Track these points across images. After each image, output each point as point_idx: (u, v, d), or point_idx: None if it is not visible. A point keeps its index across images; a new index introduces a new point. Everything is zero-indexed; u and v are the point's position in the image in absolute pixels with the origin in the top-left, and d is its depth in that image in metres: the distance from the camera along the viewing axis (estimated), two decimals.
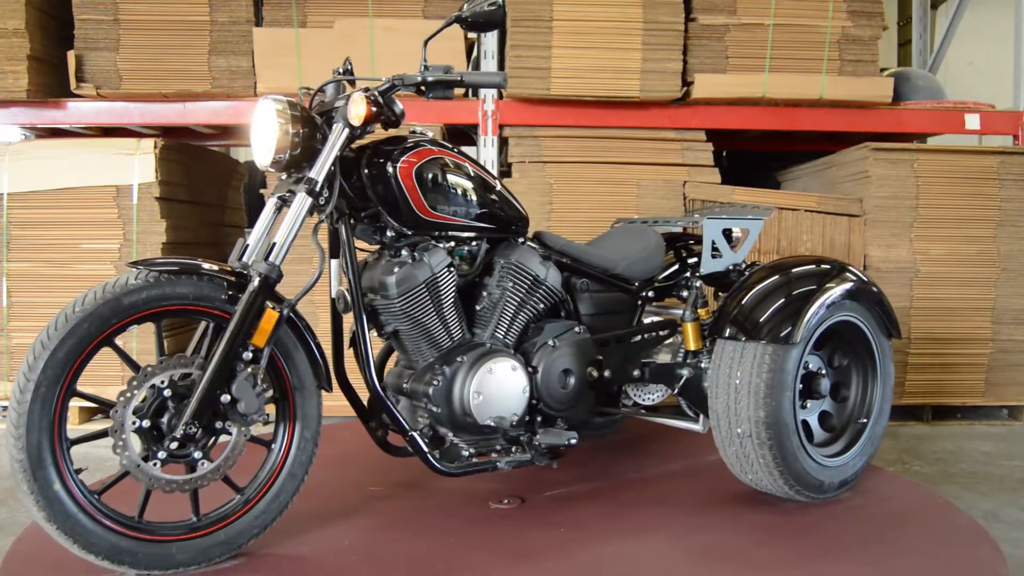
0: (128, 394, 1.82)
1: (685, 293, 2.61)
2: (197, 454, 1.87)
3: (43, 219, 3.55)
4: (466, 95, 3.73)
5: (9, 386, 3.58)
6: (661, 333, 2.57)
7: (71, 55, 3.59)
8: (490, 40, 3.74)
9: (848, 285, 2.35)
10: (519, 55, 3.59)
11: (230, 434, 1.91)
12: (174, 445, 1.83)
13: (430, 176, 2.12)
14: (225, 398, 1.87)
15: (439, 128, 3.57)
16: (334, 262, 2.16)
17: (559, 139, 3.69)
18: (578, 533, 2.13)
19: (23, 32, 3.51)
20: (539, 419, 2.31)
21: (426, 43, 2.17)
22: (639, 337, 2.53)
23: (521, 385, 2.23)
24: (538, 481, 2.52)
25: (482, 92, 3.73)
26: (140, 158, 3.53)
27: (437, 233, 2.19)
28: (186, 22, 3.63)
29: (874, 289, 2.43)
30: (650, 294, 2.61)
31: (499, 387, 2.18)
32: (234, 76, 3.66)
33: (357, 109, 1.98)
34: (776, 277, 2.35)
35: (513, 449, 2.26)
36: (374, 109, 2.00)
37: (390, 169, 2.08)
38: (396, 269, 2.11)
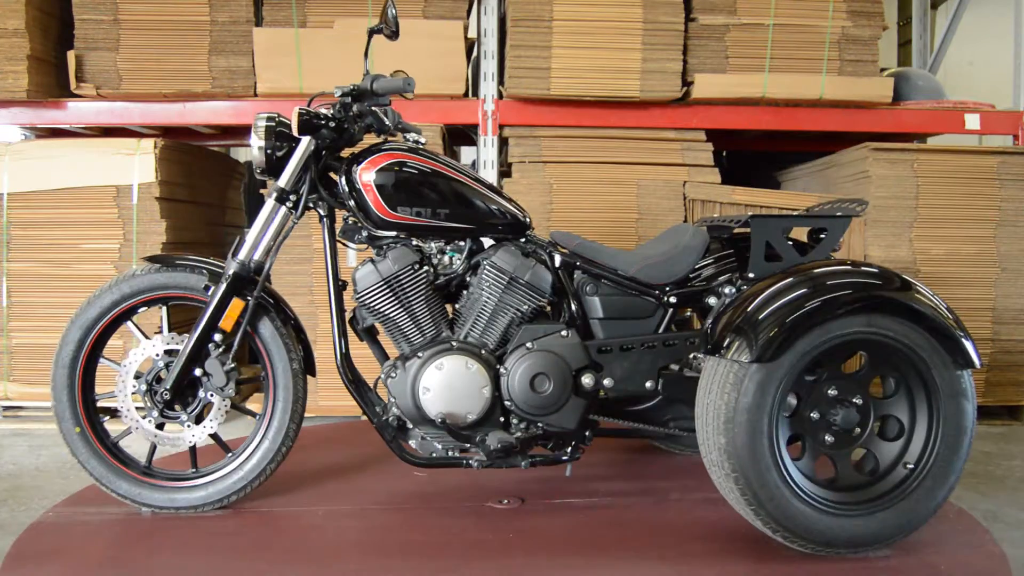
0: (129, 362, 2.32)
1: (714, 300, 2.39)
2: (183, 416, 2.32)
3: (43, 219, 3.55)
4: (465, 95, 3.73)
5: (9, 386, 3.59)
6: (692, 343, 2.36)
7: (71, 55, 3.59)
8: (490, 40, 3.74)
9: (873, 298, 2.00)
10: (519, 55, 3.59)
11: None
12: (163, 407, 2.30)
13: (388, 178, 2.25)
14: (199, 372, 2.29)
15: (439, 129, 3.57)
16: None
17: (559, 139, 3.68)
18: (528, 539, 2.14)
19: (23, 32, 3.51)
20: (516, 422, 2.30)
21: (365, 55, 2.39)
22: (654, 346, 2.34)
23: (478, 384, 2.24)
24: (556, 487, 2.52)
25: (482, 91, 3.73)
26: (140, 158, 3.52)
27: (407, 233, 2.30)
28: (186, 22, 3.63)
29: (928, 306, 2.02)
30: (672, 299, 2.38)
31: (448, 384, 2.23)
32: (234, 76, 3.66)
33: (291, 121, 2.26)
34: (777, 285, 2.06)
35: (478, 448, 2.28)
36: (315, 121, 2.26)
37: (352, 173, 2.28)
38: (360, 267, 2.28)
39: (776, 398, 1.98)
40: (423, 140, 2.41)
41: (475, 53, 4.02)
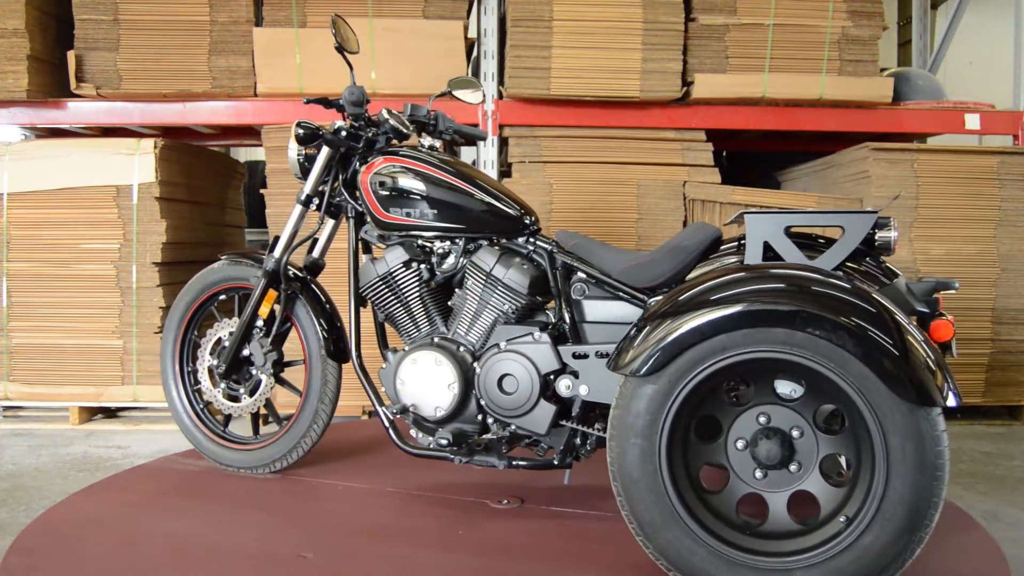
0: (206, 341, 2.71)
1: None
2: (241, 390, 2.67)
3: (43, 219, 3.55)
4: None
5: (9, 386, 3.59)
6: None
7: (71, 55, 3.59)
8: (490, 40, 3.74)
9: (769, 312, 1.68)
10: (519, 55, 3.59)
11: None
12: (227, 380, 2.65)
13: (382, 182, 2.38)
14: (246, 352, 2.63)
15: None
16: (364, 257, 2.51)
17: (559, 139, 3.69)
18: (493, 539, 2.14)
19: (23, 32, 3.51)
20: (490, 422, 2.29)
21: (351, 68, 2.52)
22: None
23: (445, 380, 2.26)
24: (564, 494, 2.50)
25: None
26: (140, 158, 3.53)
27: (405, 233, 2.39)
28: (186, 22, 3.63)
29: (863, 326, 1.64)
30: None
31: (418, 377, 2.30)
32: (234, 76, 3.66)
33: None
34: (683, 291, 1.80)
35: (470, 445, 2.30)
36: (316, 133, 2.44)
37: (357, 177, 2.44)
38: (363, 265, 2.44)
39: (666, 418, 1.76)
40: (437, 144, 2.52)
41: (475, 53, 4.02)
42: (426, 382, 2.29)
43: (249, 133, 4.27)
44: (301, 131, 2.42)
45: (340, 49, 2.45)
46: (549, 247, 2.35)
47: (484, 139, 2.81)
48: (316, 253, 2.61)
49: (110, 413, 3.73)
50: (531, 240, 2.38)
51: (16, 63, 3.53)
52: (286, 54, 3.61)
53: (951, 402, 1.61)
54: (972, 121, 3.89)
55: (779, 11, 3.68)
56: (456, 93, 2.61)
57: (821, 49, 3.71)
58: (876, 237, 1.96)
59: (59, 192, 3.54)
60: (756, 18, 3.69)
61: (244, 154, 6.97)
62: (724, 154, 4.86)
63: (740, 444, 1.83)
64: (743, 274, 1.76)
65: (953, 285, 1.94)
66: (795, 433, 1.79)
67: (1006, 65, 4.47)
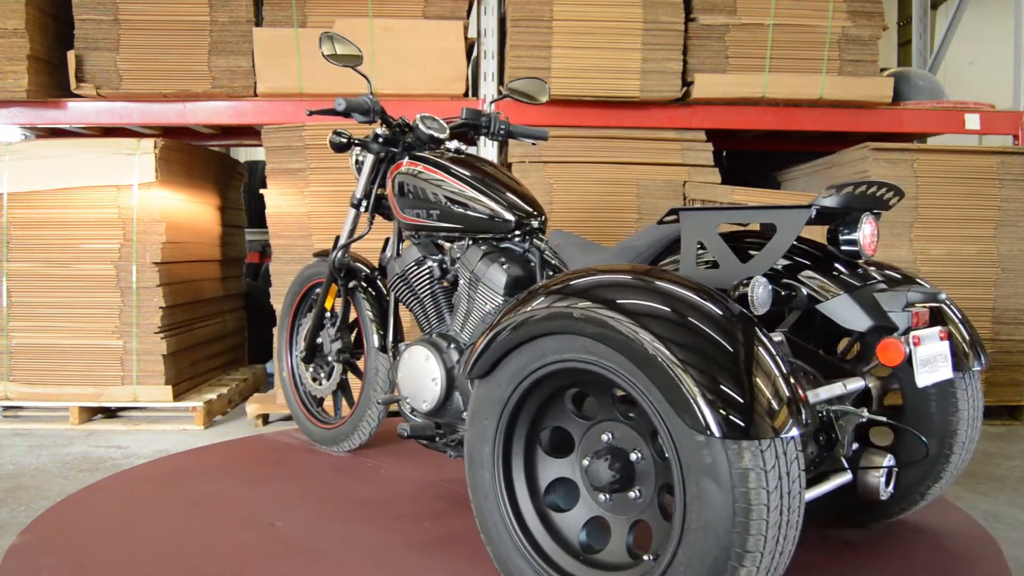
0: (301, 328, 3.08)
1: None
2: (321, 374, 3.01)
3: (43, 219, 3.55)
4: (465, 95, 3.73)
5: (9, 386, 3.59)
6: None
7: (71, 55, 3.59)
8: (490, 40, 3.74)
9: (577, 315, 1.49)
10: (519, 55, 3.59)
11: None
12: (310, 365, 3.02)
13: (399, 185, 2.53)
14: (320, 341, 2.96)
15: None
16: None
17: (559, 139, 3.68)
18: (442, 530, 2.20)
19: (23, 32, 3.51)
20: None
21: (367, 80, 2.65)
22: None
23: (431, 375, 2.32)
24: None
25: (482, 92, 3.73)
26: (140, 158, 3.53)
27: (424, 233, 2.49)
28: (186, 22, 3.63)
29: (665, 341, 1.38)
30: None
31: (410, 371, 2.40)
32: (234, 76, 3.66)
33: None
34: (533, 290, 1.67)
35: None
36: (342, 140, 2.66)
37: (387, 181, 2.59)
38: (388, 262, 2.64)
39: (499, 425, 1.66)
40: (463, 147, 2.62)
41: (475, 53, 4.02)
42: (416, 376, 2.36)
43: (249, 133, 4.26)
44: (341, 139, 2.58)
45: (349, 65, 2.55)
46: (542, 247, 2.35)
47: (545, 138, 2.86)
48: (388, 252, 2.76)
49: (110, 413, 3.73)
50: (527, 240, 2.37)
51: (16, 63, 3.52)
52: (286, 54, 3.61)
53: (788, 433, 1.33)
54: (972, 121, 3.88)
55: (779, 11, 3.68)
56: (517, 97, 2.78)
57: (821, 49, 3.71)
58: (840, 238, 1.76)
59: (59, 192, 3.54)
60: (756, 18, 3.69)
61: (244, 154, 6.97)
62: (724, 154, 4.85)
63: (586, 462, 1.66)
64: (571, 279, 1.60)
65: (937, 296, 1.72)
66: (635, 456, 1.60)
67: (1006, 65, 4.47)
